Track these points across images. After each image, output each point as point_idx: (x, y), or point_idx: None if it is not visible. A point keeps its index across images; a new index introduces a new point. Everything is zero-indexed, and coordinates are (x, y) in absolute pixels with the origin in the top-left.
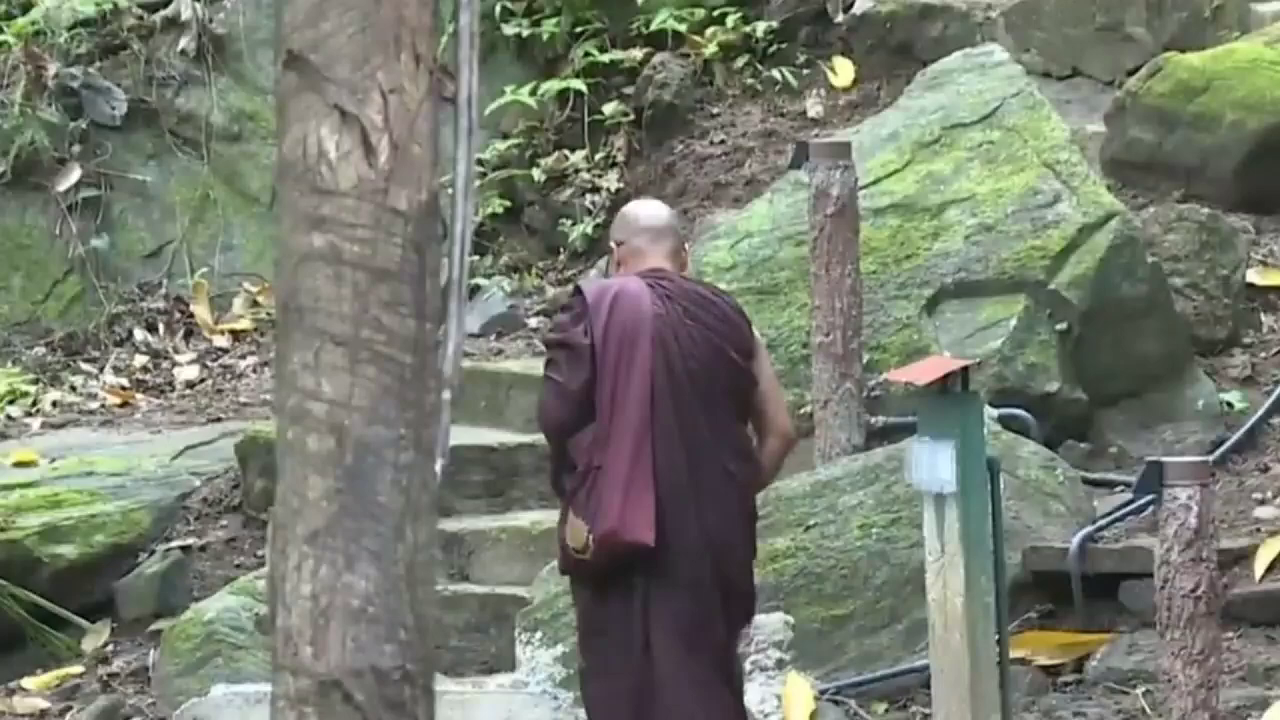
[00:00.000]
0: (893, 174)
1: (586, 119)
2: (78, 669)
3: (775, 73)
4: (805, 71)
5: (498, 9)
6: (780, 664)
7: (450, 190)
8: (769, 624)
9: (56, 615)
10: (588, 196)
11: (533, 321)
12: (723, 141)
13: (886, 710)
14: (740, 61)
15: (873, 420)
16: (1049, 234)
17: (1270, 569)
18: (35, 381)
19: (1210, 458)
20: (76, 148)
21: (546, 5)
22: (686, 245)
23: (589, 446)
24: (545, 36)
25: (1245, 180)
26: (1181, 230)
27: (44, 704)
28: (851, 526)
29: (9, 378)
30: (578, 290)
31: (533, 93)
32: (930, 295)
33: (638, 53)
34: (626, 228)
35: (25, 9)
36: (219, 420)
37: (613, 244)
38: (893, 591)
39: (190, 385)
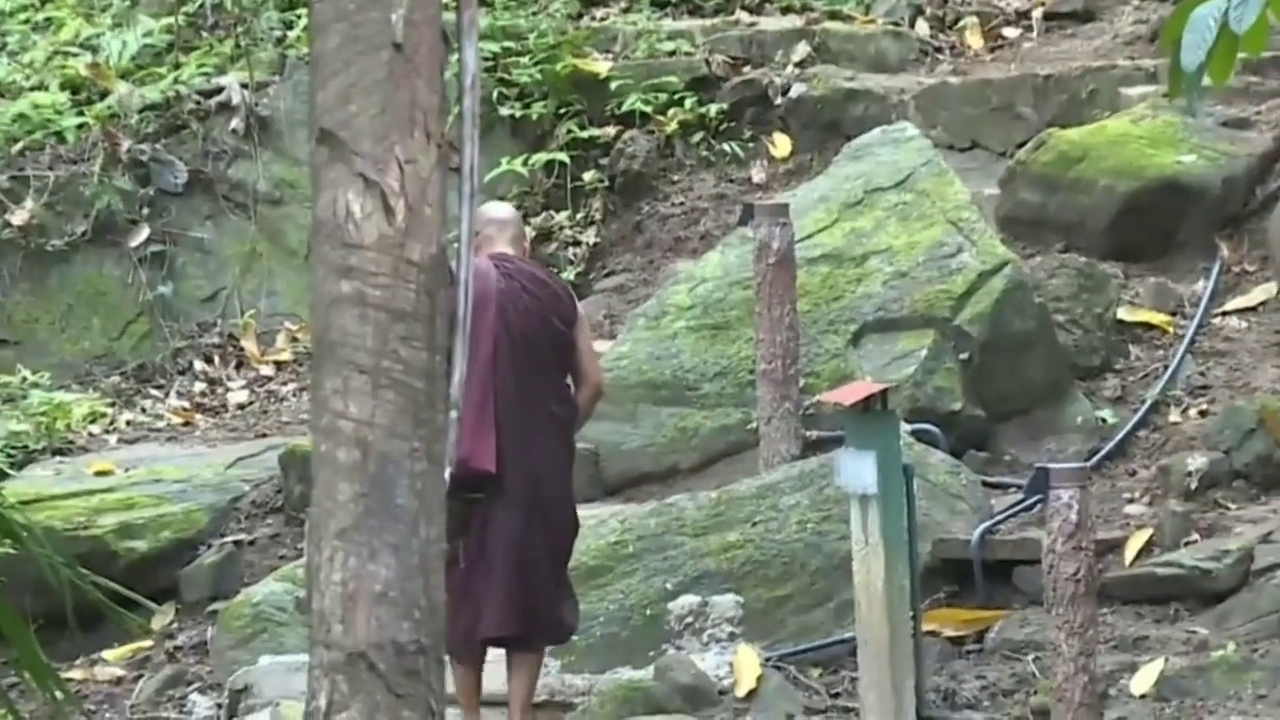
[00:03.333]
0: (823, 230)
1: (569, 185)
2: (148, 643)
3: (725, 146)
4: (750, 145)
5: (495, 94)
6: (732, 637)
7: (456, 244)
8: (722, 604)
9: (130, 599)
10: (570, 249)
11: None
12: (682, 203)
13: (820, 675)
14: (696, 137)
15: (808, 434)
16: (953, 279)
17: (1138, 556)
18: (112, 404)
19: (1088, 464)
20: (145, 211)
21: (535, 90)
22: (527, 234)
23: None
24: (535, 116)
25: (1115, 234)
26: (1063, 276)
27: (120, 672)
28: (791, 522)
29: (91, 402)
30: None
31: (524, 163)
32: (855, 330)
33: (611, 130)
34: (479, 220)
35: (103, 96)
36: (265, 436)
37: None
38: (825, 576)
39: (241, 407)
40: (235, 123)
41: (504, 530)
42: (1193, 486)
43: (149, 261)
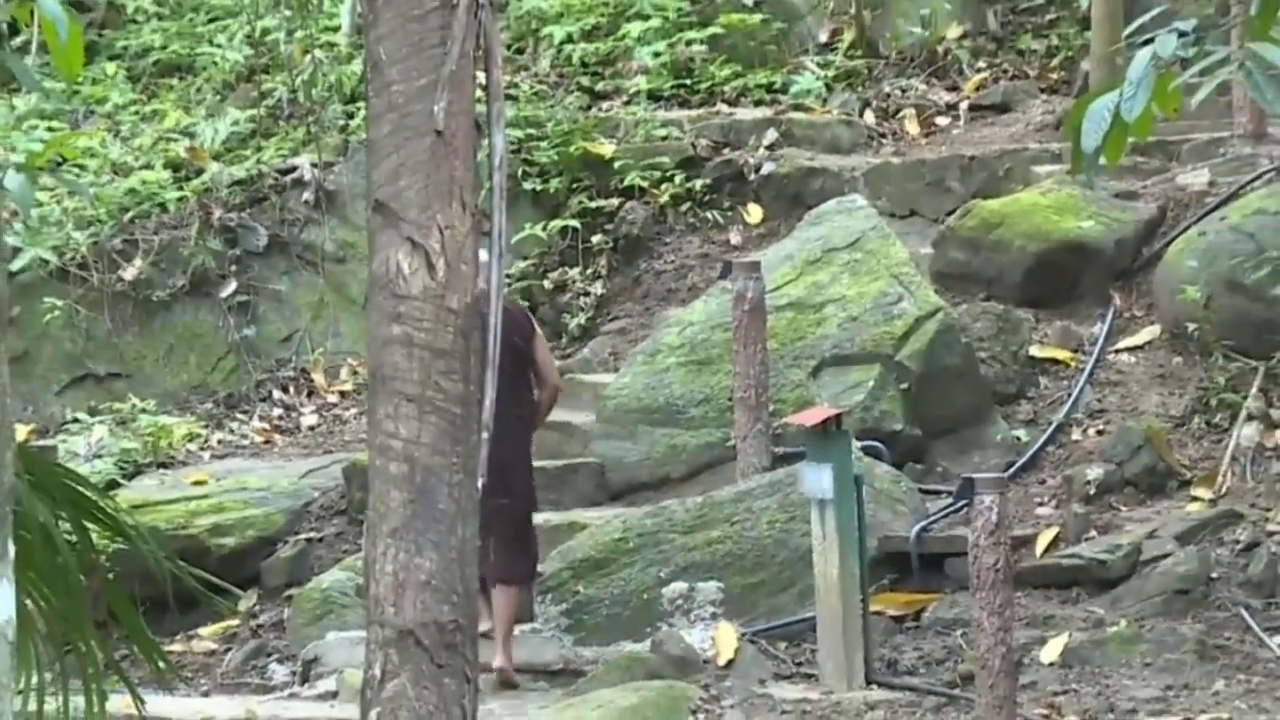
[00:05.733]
0: (789, 282)
1: (580, 246)
2: (235, 622)
3: (708, 214)
4: (729, 213)
5: (519, 171)
6: (714, 616)
7: (488, 294)
8: (706, 589)
9: (220, 586)
10: (581, 298)
11: None
12: (673, 261)
13: (787, 647)
14: (684, 207)
15: (776, 450)
16: (895, 323)
17: (1046, 549)
18: (206, 426)
19: (1006, 474)
20: (233, 268)
21: (552, 169)
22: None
23: None
24: (552, 190)
25: (1027, 286)
26: (985, 320)
27: (212, 646)
28: (762, 522)
29: (188, 424)
30: None
31: (543, 229)
32: (815, 365)
33: (615, 201)
34: None
35: (198, 173)
36: (331, 452)
37: None
38: (790, 566)
39: (311, 429)
40: (307, 195)
41: (484, 511)
42: (1091, 492)
43: (236, 309)
